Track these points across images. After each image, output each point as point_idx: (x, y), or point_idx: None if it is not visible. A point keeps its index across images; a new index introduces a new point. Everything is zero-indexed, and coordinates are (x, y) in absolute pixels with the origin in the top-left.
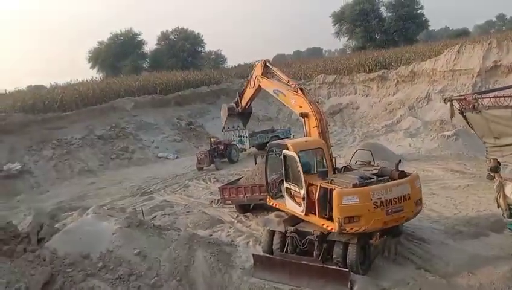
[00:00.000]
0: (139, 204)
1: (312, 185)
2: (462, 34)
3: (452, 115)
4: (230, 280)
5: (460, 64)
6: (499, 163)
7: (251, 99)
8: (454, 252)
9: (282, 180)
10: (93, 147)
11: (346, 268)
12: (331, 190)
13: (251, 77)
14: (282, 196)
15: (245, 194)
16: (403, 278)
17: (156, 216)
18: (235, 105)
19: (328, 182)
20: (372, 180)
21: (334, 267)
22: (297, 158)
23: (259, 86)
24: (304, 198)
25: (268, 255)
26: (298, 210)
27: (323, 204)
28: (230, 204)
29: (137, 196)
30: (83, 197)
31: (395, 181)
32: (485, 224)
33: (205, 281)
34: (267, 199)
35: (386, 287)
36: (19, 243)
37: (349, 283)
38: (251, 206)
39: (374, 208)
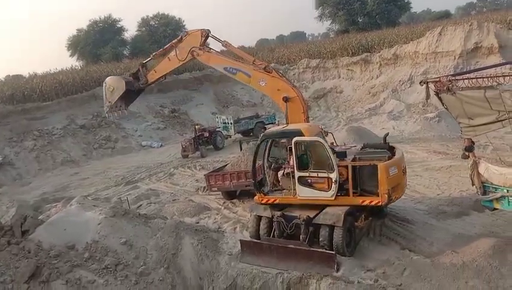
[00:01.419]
0: (124, 193)
1: (338, 166)
2: (444, 16)
3: (428, 96)
4: (218, 266)
5: (442, 46)
6: (473, 143)
7: (166, 75)
8: (437, 232)
9: (276, 170)
10: (75, 136)
11: (333, 250)
12: (371, 166)
13: (175, 47)
14: (277, 190)
15: (231, 180)
16: (388, 259)
17: (141, 205)
18: (132, 78)
19: (355, 161)
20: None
21: (320, 250)
22: (324, 142)
23: (191, 59)
24: (336, 181)
25: (255, 240)
26: (325, 196)
27: (355, 182)
28: (216, 191)
29: (122, 186)
30: (66, 188)
31: (402, 151)
32: (467, 204)
33: (193, 268)
34: (258, 198)
35: (372, 268)
36: (3, 236)
37: (335, 265)
38: (237, 193)
39: (403, 175)
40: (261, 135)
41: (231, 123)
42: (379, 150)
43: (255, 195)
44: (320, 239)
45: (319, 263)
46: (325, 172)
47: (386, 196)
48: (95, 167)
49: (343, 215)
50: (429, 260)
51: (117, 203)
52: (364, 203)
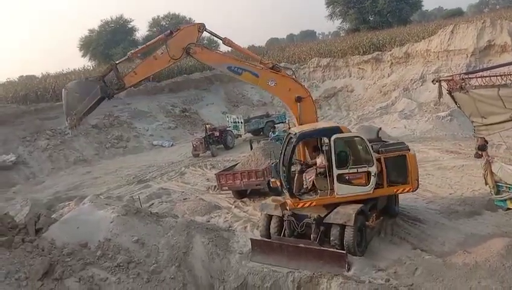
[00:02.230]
0: (136, 192)
1: None
2: (456, 13)
3: (440, 95)
4: (229, 265)
5: (454, 45)
6: (486, 142)
7: (150, 76)
8: (449, 232)
9: (303, 171)
10: (87, 136)
11: (343, 250)
12: (400, 156)
13: (164, 43)
14: (304, 192)
15: (242, 179)
16: (400, 258)
17: (153, 204)
18: (103, 83)
19: (380, 153)
20: None
21: (331, 249)
22: (364, 137)
23: (183, 58)
24: (374, 175)
25: (266, 239)
26: (364, 191)
27: (388, 173)
28: (227, 190)
29: (133, 184)
30: (79, 187)
31: None
32: (480, 203)
33: (204, 266)
34: (290, 203)
35: (383, 267)
36: (17, 234)
37: (346, 264)
38: (248, 192)
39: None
40: (298, 135)
41: (241, 122)
42: (393, 142)
43: (265, 194)
44: (331, 238)
45: (330, 262)
46: (365, 167)
47: (416, 182)
48: (107, 166)
49: (354, 215)
50: (441, 260)
51: (129, 201)
52: (398, 192)
